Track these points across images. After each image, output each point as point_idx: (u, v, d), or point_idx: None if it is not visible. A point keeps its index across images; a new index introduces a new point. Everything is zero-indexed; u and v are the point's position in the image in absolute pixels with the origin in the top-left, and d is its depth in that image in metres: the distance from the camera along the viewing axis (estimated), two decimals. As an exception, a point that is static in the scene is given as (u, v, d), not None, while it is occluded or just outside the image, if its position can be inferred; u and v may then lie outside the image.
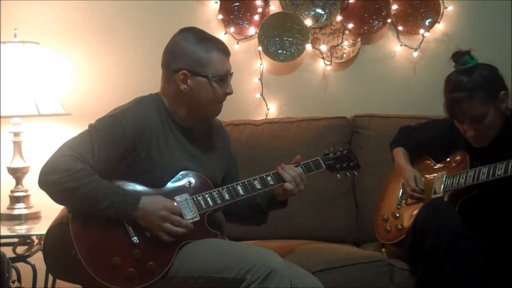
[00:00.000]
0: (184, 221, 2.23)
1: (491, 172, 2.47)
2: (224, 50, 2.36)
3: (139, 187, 2.27)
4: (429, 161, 2.85)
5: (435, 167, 2.81)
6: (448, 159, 2.75)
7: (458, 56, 2.61)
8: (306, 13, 3.53)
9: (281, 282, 2.11)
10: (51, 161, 2.21)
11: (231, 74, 2.39)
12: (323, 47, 3.55)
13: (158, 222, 2.19)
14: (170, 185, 2.30)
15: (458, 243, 2.43)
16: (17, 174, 3.22)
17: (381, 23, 3.54)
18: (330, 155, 2.54)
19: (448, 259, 2.43)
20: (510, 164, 2.42)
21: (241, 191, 2.34)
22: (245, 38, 3.54)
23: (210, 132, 2.50)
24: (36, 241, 3.04)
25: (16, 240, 3.01)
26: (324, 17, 3.55)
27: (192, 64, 2.30)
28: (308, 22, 3.53)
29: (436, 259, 2.44)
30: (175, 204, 2.25)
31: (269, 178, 2.38)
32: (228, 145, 2.57)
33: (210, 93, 2.32)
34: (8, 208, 3.21)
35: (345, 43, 3.56)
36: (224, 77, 2.34)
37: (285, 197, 2.45)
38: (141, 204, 2.19)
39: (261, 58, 3.54)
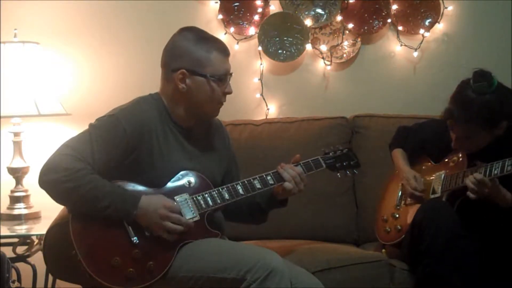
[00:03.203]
0: (184, 219, 2.23)
1: (487, 171, 2.47)
2: (223, 50, 2.35)
3: (139, 187, 2.27)
4: (427, 162, 2.85)
5: (434, 167, 2.81)
6: (446, 159, 2.76)
7: (478, 79, 2.53)
8: (306, 13, 3.53)
9: (281, 282, 2.11)
10: (51, 160, 2.20)
11: (231, 74, 2.38)
12: (323, 47, 3.55)
13: (158, 221, 2.19)
14: (170, 185, 2.30)
15: (455, 242, 2.44)
16: (17, 174, 3.22)
17: (381, 23, 3.54)
18: (330, 154, 2.54)
19: (445, 259, 2.43)
20: (506, 163, 2.42)
21: (241, 191, 2.34)
22: (245, 38, 3.54)
23: (210, 132, 2.49)
24: (36, 241, 3.04)
25: (16, 240, 3.01)
26: (324, 17, 3.55)
27: (191, 64, 2.30)
28: (308, 22, 3.53)
29: (434, 259, 2.45)
30: (175, 202, 2.25)
31: (269, 178, 2.38)
32: (228, 145, 2.57)
33: (208, 93, 2.32)
34: (8, 208, 3.21)
35: (345, 43, 3.56)
36: (223, 77, 2.34)
37: (285, 196, 2.45)
38: (141, 203, 2.19)
39: (261, 58, 3.54)
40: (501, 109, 2.53)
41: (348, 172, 2.56)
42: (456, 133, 2.61)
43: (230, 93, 2.38)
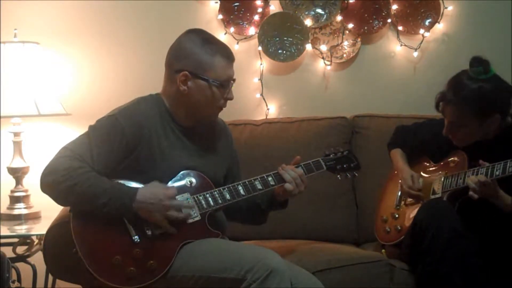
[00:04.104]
0: (186, 203, 2.24)
1: (489, 172, 2.47)
2: (228, 55, 2.35)
3: (139, 186, 2.26)
4: (427, 162, 2.86)
5: (434, 167, 2.81)
6: (446, 160, 2.76)
7: (474, 64, 2.56)
8: (306, 13, 3.53)
9: (281, 282, 2.11)
10: (50, 163, 2.22)
11: (233, 80, 2.38)
12: (323, 47, 3.55)
13: (162, 212, 2.20)
14: (171, 184, 2.30)
15: (456, 242, 2.44)
16: (17, 174, 3.22)
17: (381, 23, 3.54)
18: (331, 155, 2.54)
19: (446, 258, 2.43)
20: (508, 164, 2.43)
21: (242, 191, 2.34)
22: (245, 38, 3.54)
23: (212, 132, 2.49)
24: (36, 241, 3.04)
25: (16, 240, 3.00)
26: (324, 17, 3.55)
27: (194, 66, 2.30)
28: (308, 22, 3.53)
29: (435, 258, 2.45)
30: (171, 189, 2.25)
31: (270, 179, 2.38)
32: (230, 145, 2.57)
33: (208, 97, 2.32)
34: (8, 208, 3.21)
35: (345, 43, 3.56)
36: (225, 83, 2.33)
37: (285, 197, 2.45)
38: (139, 196, 2.19)
39: (261, 58, 3.54)
40: (493, 99, 2.53)
41: (348, 175, 2.57)
42: (447, 118, 2.61)
43: (231, 99, 2.38)
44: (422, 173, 2.82)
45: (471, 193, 2.48)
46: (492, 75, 2.54)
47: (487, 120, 2.54)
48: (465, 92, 2.52)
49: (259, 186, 2.37)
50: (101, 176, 2.21)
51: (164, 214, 2.20)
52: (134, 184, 2.26)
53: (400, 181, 2.84)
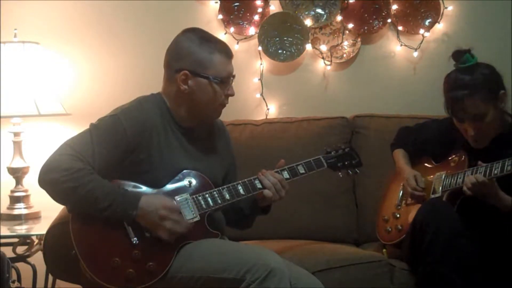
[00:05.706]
0: (184, 220, 2.23)
1: (487, 171, 2.48)
2: (226, 52, 2.35)
3: (139, 187, 2.27)
4: (428, 162, 2.86)
5: (435, 167, 2.81)
6: (446, 160, 2.76)
7: (459, 55, 2.62)
8: (306, 13, 3.53)
9: (280, 282, 2.10)
10: (51, 159, 2.20)
11: (233, 76, 2.38)
12: (323, 47, 3.55)
13: (157, 222, 2.19)
14: (170, 185, 2.30)
15: (456, 241, 2.44)
16: (17, 174, 3.22)
17: (381, 23, 3.54)
18: (332, 153, 2.52)
19: (446, 258, 2.43)
20: (506, 163, 2.43)
21: (241, 191, 2.33)
22: (245, 38, 3.54)
23: (212, 133, 2.49)
24: (36, 241, 3.04)
25: (16, 240, 3.01)
26: (324, 17, 3.55)
27: (193, 65, 2.30)
28: (308, 22, 3.53)
29: (435, 258, 2.45)
30: (175, 203, 2.25)
31: (256, 182, 2.36)
32: (228, 146, 2.57)
33: (210, 95, 2.32)
34: (8, 208, 3.21)
35: (345, 43, 3.56)
36: (225, 79, 2.33)
37: (265, 203, 2.42)
38: (140, 204, 2.19)
39: (261, 58, 3.54)
40: (493, 76, 2.58)
41: (350, 172, 2.55)
42: (467, 116, 2.57)
43: (232, 95, 2.37)
44: (423, 173, 2.82)
45: (464, 188, 2.49)
46: (477, 59, 2.61)
47: (498, 99, 2.57)
48: (473, 81, 2.54)
49: (259, 186, 2.35)
50: (103, 178, 2.20)
51: (160, 224, 2.19)
52: (134, 185, 2.26)
53: (402, 182, 2.84)
